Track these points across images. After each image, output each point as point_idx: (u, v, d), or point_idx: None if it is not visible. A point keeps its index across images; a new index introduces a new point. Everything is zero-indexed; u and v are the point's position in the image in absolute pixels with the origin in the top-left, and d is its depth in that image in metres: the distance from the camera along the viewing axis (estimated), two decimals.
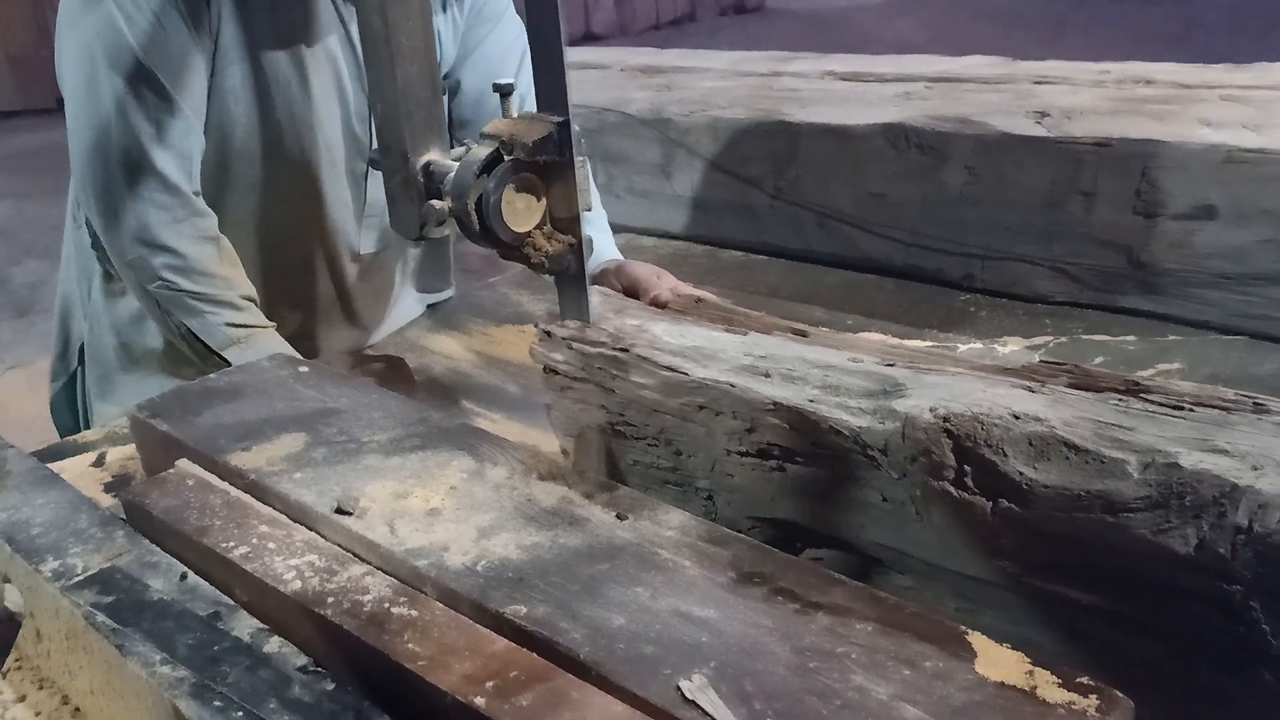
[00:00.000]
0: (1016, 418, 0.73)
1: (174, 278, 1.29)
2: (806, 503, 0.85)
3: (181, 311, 1.30)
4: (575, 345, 0.98)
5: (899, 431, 0.76)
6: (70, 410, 1.53)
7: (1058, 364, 0.85)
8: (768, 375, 0.86)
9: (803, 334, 0.99)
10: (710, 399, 0.87)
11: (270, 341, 1.31)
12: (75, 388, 1.51)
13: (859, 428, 0.78)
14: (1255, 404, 0.76)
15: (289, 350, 1.29)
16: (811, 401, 0.82)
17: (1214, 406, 0.75)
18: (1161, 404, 0.76)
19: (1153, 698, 0.65)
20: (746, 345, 0.92)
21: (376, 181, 1.42)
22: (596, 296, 1.04)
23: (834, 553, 0.85)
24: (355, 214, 1.45)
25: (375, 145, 1.40)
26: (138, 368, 1.44)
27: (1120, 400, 0.77)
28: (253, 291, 1.34)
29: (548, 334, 1.00)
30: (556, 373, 1.00)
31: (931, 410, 0.76)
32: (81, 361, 1.49)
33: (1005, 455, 0.73)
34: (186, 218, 1.29)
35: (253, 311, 1.33)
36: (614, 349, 0.95)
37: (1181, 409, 0.75)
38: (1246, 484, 0.65)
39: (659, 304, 1.12)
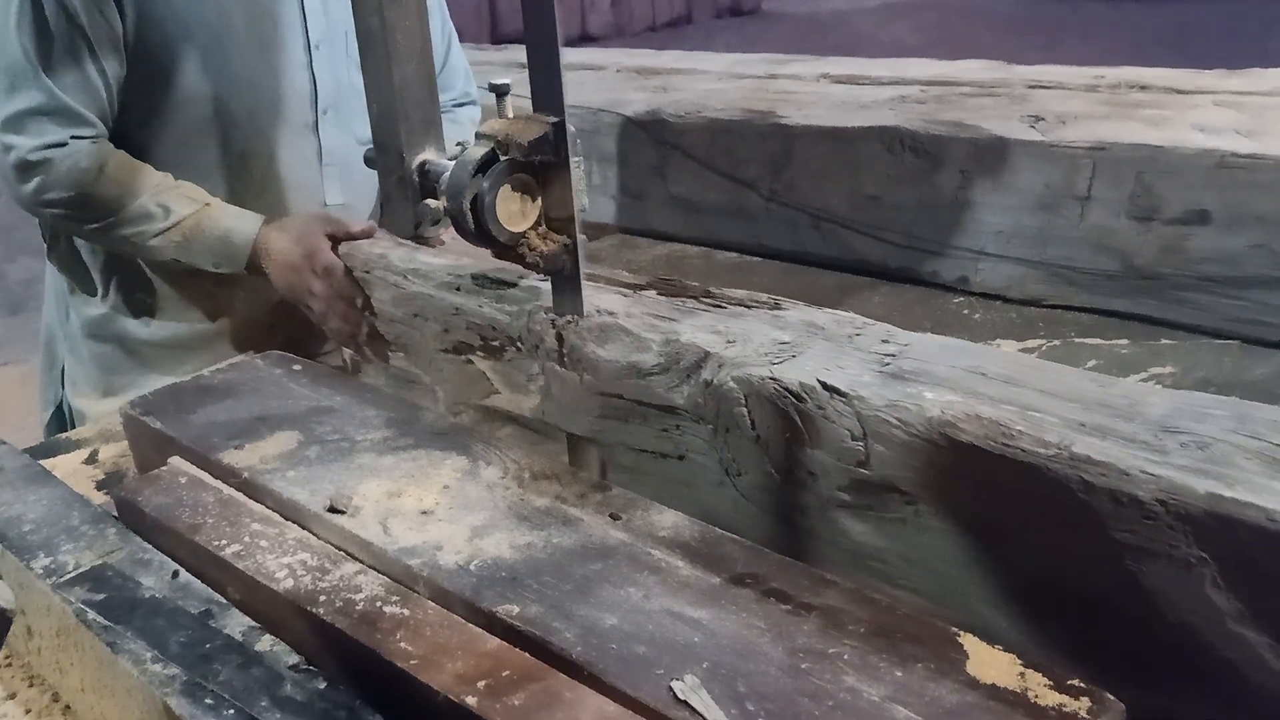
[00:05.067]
0: (599, 312, 0.97)
1: (86, 223, 1.30)
2: (490, 388, 1.09)
3: (121, 245, 1.31)
4: None
5: (525, 325, 1.01)
6: None
7: (666, 280, 1.08)
8: (458, 289, 1.09)
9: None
10: (419, 308, 1.12)
11: (211, 225, 1.29)
12: (64, 416, 1.50)
13: (505, 323, 1.03)
14: (775, 303, 1.00)
15: (236, 221, 1.29)
16: (480, 306, 1.06)
17: (744, 305, 0.99)
18: (710, 304, 0.99)
19: (675, 505, 0.86)
20: (451, 267, 1.13)
21: (330, 128, 1.41)
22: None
23: (520, 430, 1.08)
24: (315, 164, 1.43)
25: (320, 96, 1.39)
26: (118, 378, 1.44)
27: (684, 302, 1.00)
28: (161, 179, 1.30)
29: None
30: None
31: (545, 308, 1.00)
32: (63, 387, 1.49)
33: (584, 339, 0.97)
34: (67, 139, 1.26)
35: (171, 209, 1.29)
36: (362, 271, 1.17)
37: (721, 308, 0.98)
38: (715, 351, 0.89)
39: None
